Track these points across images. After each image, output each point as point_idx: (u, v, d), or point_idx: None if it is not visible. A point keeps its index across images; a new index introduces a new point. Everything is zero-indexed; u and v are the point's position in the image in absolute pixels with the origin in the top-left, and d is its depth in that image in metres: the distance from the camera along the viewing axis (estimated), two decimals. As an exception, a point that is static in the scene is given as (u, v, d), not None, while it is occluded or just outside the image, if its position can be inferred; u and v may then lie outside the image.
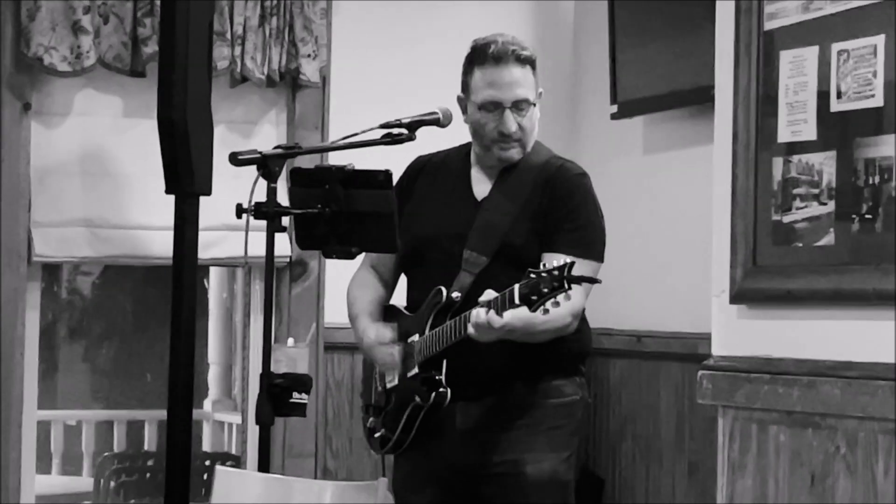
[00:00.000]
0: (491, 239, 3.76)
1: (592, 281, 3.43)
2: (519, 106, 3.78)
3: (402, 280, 4.03)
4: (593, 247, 3.77)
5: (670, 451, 4.84)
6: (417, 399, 3.74)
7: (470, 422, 3.77)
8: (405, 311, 3.91)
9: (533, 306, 3.35)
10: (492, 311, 3.44)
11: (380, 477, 3.80)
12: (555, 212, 3.76)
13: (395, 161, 3.92)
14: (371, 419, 3.95)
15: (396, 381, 3.85)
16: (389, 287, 4.03)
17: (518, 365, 3.74)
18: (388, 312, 3.96)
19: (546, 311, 3.35)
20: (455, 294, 3.71)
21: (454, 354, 3.68)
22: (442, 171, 3.95)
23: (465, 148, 3.94)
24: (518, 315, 3.43)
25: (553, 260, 3.37)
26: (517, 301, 3.38)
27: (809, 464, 3.02)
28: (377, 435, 3.91)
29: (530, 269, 3.38)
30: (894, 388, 2.83)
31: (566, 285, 3.33)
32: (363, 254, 3.91)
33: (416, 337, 3.78)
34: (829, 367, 2.99)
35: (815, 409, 3.00)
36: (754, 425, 3.16)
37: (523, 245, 3.71)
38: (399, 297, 4.02)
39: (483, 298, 3.50)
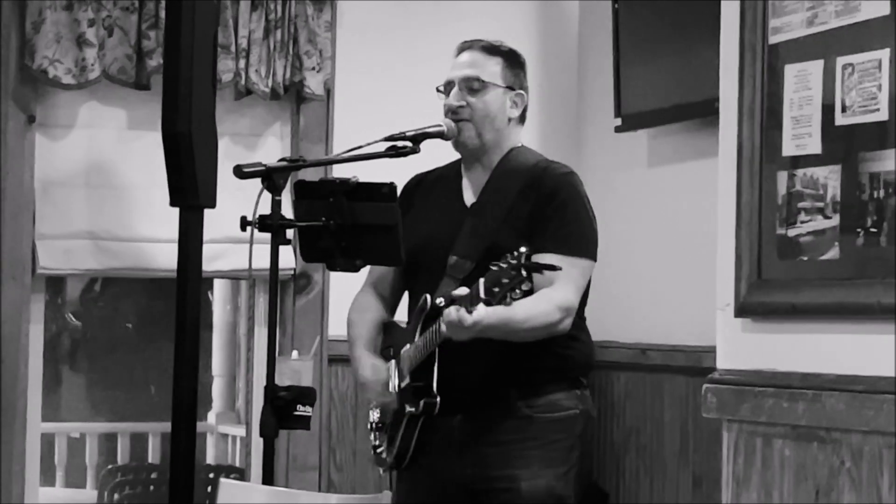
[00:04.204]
0: (478, 243, 3.73)
1: (551, 268, 3.35)
2: (470, 85, 3.79)
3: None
4: (582, 245, 3.72)
5: (674, 464, 4.84)
6: (408, 408, 3.72)
7: (467, 436, 3.75)
8: (401, 325, 3.90)
9: (496, 298, 3.30)
10: (462, 309, 3.40)
11: (384, 490, 3.80)
12: (541, 211, 3.72)
13: (400, 174, 3.92)
14: (376, 436, 3.94)
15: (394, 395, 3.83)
16: (391, 305, 4.01)
17: (513, 376, 3.71)
18: (386, 330, 3.95)
19: (508, 303, 3.30)
20: (439, 300, 3.65)
21: (448, 365, 3.65)
22: (437, 184, 3.94)
23: (460, 161, 3.94)
24: (494, 312, 3.40)
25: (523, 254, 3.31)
26: (482, 295, 3.33)
27: (814, 478, 3.01)
28: (380, 451, 3.90)
29: (492, 262, 3.33)
30: (899, 402, 2.83)
31: (523, 273, 3.27)
32: (366, 274, 3.91)
33: (407, 347, 3.77)
34: (834, 381, 2.98)
35: (820, 423, 3.00)
36: (759, 439, 3.15)
37: (511, 248, 3.67)
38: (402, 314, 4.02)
39: (455, 293, 3.47)
